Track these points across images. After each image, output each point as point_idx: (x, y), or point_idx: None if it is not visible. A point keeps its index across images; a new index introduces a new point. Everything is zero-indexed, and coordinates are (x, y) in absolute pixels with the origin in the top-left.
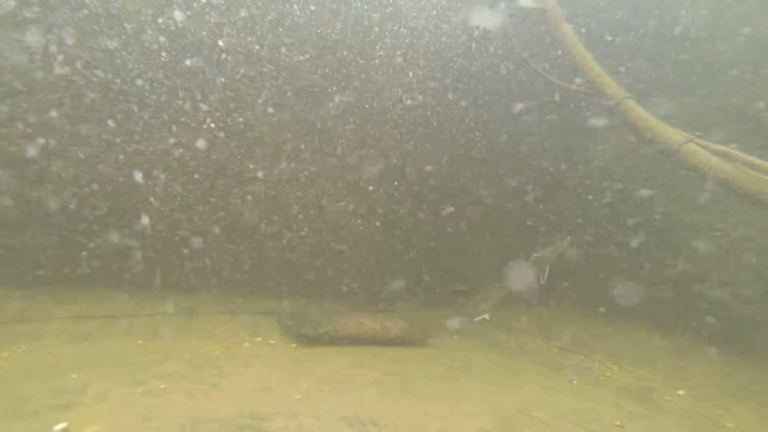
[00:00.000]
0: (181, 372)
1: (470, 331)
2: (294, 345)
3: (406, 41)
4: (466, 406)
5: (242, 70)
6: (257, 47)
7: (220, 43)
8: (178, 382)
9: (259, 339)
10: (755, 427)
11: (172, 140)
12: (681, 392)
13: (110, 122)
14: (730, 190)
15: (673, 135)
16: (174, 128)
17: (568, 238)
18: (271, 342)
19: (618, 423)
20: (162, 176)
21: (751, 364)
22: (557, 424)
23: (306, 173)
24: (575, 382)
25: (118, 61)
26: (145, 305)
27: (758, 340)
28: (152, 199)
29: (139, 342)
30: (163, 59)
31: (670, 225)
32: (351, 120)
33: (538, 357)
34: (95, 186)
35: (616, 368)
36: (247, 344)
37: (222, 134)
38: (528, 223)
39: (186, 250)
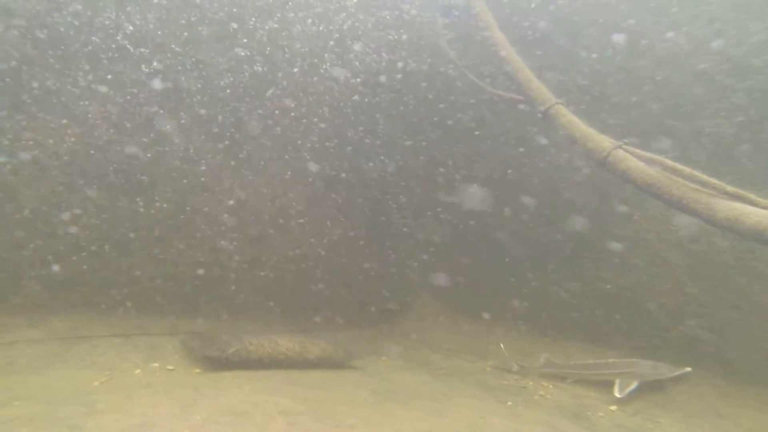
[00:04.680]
0: (28, 415)
1: (401, 352)
2: (197, 370)
3: None
4: None
5: None
6: None
7: None
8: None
9: (156, 364)
10: None
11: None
12: (613, 408)
13: None
14: (656, 196)
15: (602, 141)
16: None
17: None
18: (170, 367)
19: None
20: None
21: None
22: None
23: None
24: (509, 403)
25: None
26: None
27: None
28: None
29: None
30: None
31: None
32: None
33: (472, 377)
34: None
35: (551, 386)
36: (138, 371)
37: None
38: None
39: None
